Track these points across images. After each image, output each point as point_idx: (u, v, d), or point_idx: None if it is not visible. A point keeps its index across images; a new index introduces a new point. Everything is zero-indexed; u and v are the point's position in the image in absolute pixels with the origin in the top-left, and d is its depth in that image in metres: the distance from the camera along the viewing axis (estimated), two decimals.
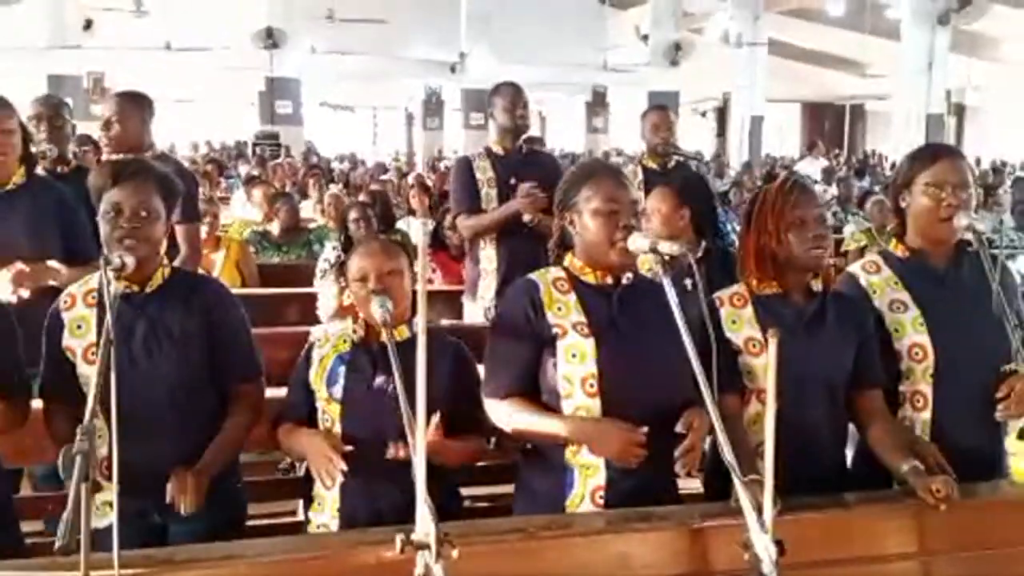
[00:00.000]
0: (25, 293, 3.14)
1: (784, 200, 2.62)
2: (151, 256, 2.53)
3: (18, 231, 3.31)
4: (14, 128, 3.43)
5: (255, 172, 10.91)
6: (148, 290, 2.55)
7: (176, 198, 2.66)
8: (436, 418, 2.39)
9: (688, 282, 2.40)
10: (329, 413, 2.58)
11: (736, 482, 1.88)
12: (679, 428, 2.37)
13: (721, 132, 23.64)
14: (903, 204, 2.75)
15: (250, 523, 2.81)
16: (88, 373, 2.43)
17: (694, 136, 23.45)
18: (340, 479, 2.45)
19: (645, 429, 2.33)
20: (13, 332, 2.53)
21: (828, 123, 26.17)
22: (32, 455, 2.79)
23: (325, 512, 2.59)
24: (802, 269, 2.59)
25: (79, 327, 2.54)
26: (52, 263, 3.21)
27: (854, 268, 2.82)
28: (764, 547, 1.75)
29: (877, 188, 9.62)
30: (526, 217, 4.16)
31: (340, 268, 2.74)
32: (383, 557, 2.02)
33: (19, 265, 3.15)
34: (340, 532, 2.51)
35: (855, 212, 8.63)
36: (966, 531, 2.40)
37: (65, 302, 2.59)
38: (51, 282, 3.15)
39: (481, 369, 2.62)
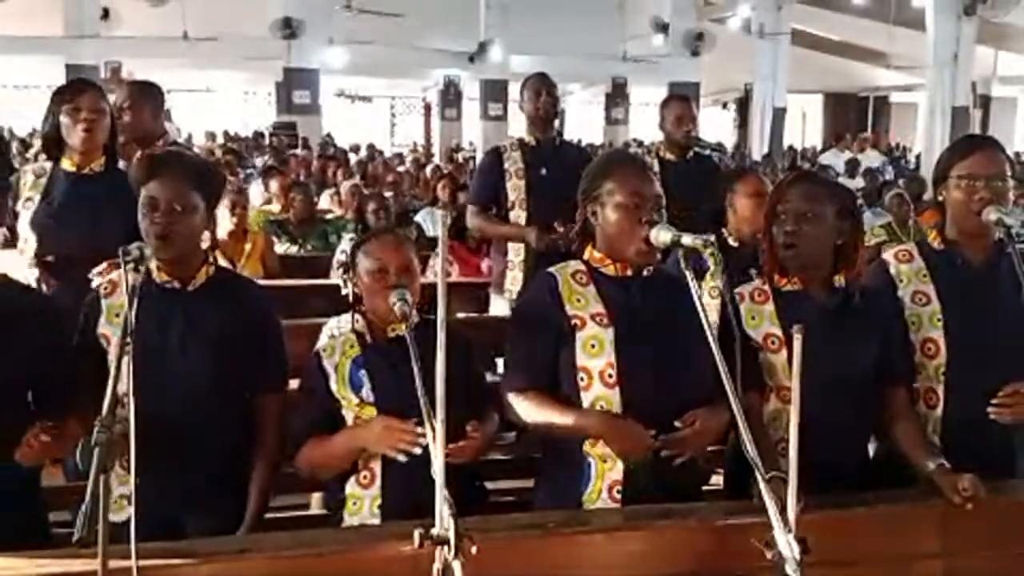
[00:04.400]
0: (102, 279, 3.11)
1: (779, 193, 2.60)
2: (189, 250, 2.53)
3: (82, 216, 3.35)
4: (105, 110, 3.51)
5: (272, 163, 10.93)
6: (191, 288, 2.55)
7: (215, 188, 2.64)
8: (475, 434, 2.40)
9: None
10: (364, 418, 2.54)
11: (759, 479, 1.85)
12: (677, 423, 2.37)
13: (743, 123, 23.48)
14: (941, 197, 2.71)
15: (265, 515, 2.80)
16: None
17: (715, 127, 23.33)
18: (420, 445, 2.34)
19: (653, 433, 2.33)
20: (60, 337, 2.49)
21: (851, 115, 25.93)
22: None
23: (363, 512, 2.53)
24: (792, 266, 2.56)
25: (116, 315, 2.51)
26: None
27: (887, 256, 2.79)
28: (788, 545, 1.73)
29: (901, 181, 9.52)
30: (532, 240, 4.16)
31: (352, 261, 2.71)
32: (402, 552, 2.01)
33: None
34: (359, 527, 2.50)
35: (877, 205, 8.53)
36: (991, 530, 2.37)
37: (106, 288, 2.58)
38: None
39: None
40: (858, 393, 2.56)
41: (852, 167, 12.79)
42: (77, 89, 3.51)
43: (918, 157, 17.60)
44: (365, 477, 2.54)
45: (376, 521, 2.51)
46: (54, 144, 3.52)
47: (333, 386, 2.57)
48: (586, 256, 2.57)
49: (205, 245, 2.60)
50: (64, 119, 3.46)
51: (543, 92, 4.39)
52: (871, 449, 2.76)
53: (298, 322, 3.81)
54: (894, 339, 2.60)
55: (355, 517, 2.54)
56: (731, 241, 3.62)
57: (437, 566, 1.65)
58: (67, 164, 3.53)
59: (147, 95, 4.17)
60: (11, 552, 2.03)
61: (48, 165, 3.57)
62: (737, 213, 3.69)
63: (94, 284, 3.09)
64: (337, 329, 2.67)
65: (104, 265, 3.15)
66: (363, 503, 2.54)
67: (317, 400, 2.59)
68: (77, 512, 1.69)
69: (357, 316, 2.65)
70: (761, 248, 2.69)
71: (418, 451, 2.36)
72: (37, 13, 17.74)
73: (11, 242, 3.55)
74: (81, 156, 3.50)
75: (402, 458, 2.39)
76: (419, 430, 2.35)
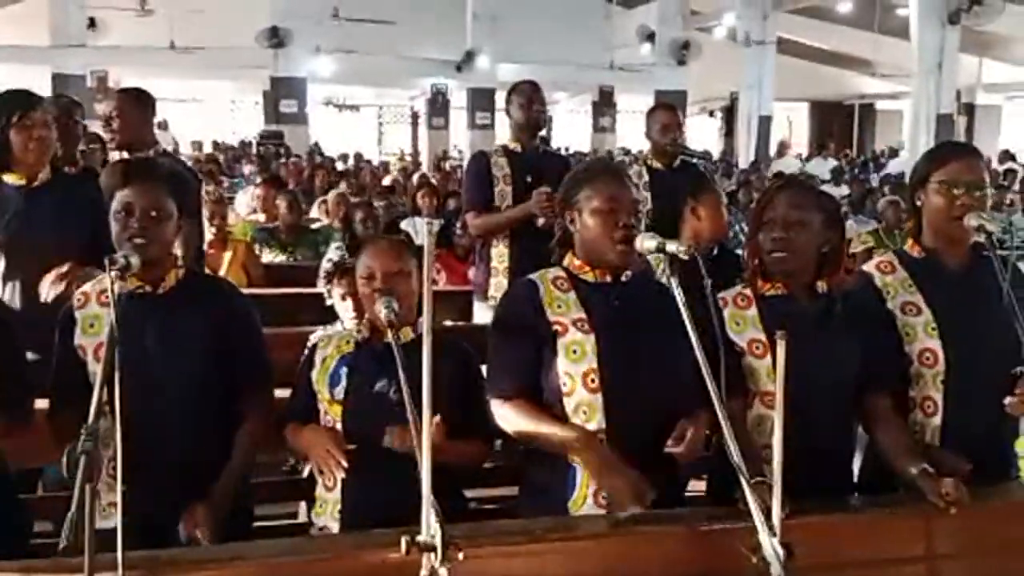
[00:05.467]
0: (58, 289, 3.13)
1: (766, 200, 2.62)
2: (163, 256, 2.54)
3: (44, 228, 3.32)
4: (52, 123, 3.46)
5: (259, 172, 10.93)
6: (161, 291, 2.55)
7: (187, 197, 2.66)
8: (436, 418, 2.37)
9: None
10: (331, 414, 2.58)
11: (744, 484, 1.86)
12: (669, 442, 2.36)
13: (729, 131, 23.59)
14: (919, 203, 2.73)
15: (254, 524, 2.80)
16: (98, 371, 2.43)
17: (702, 136, 23.42)
18: (341, 476, 2.46)
19: (652, 497, 2.29)
20: (12, 339, 2.52)
21: (837, 123, 26.05)
22: (36, 456, 2.78)
23: (326, 514, 2.58)
24: (779, 272, 2.58)
25: (91, 325, 2.54)
26: (89, 269, 3.15)
27: (869, 267, 2.80)
28: (773, 550, 1.74)
29: (887, 189, 9.57)
30: (540, 221, 4.14)
31: (336, 268, 2.73)
32: (388, 559, 2.00)
33: (62, 269, 3.16)
34: (345, 534, 2.50)
35: (860, 212, 8.58)
36: (975, 534, 2.39)
37: (78, 300, 2.59)
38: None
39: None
40: (841, 398, 2.58)
41: (837, 175, 12.85)
42: (27, 105, 3.43)
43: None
44: (329, 480, 2.56)
45: (335, 524, 2.54)
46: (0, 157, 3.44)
47: (314, 375, 2.62)
48: (565, 263, 2.59)
49: (178, 251, 2.61)
50: (15, 136, 3.38)
51: (535, 101, 4.41)
52: (858, 455, 2.77)
53: (285, 331, 3.81)
54: (877, 346, 2.61)
55: (321, 518, 2.60)
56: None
57: (424, 573, 1.65)
58: (14, 179, 3.43)
59: (137, 104, 4.13)
60: None
61: None
62: (699, 221, 3.84)
63: (44, 298, 3.10)
64: (339, 328, 2.71)
65: (51, 276, 3.14)
66: (327, 506, 2.58)
67: (304, 389, 2.66)
68: (58, 521, 1.69)
69: (357, 317, 2.67)
70: (745, 256, 2.71)
71: (329, 483, 2.52)
72: (23, 22, 17.72)
73: None
74: (28, 169, 3.43)
75: (329, 482, 2.52)
76: (343, 463, 2.44)
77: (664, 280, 2.24)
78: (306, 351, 2.80)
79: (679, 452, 2.36)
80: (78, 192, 3.41)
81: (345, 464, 2.44)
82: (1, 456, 2.52)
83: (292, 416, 2.67)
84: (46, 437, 2.53)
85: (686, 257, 2.19)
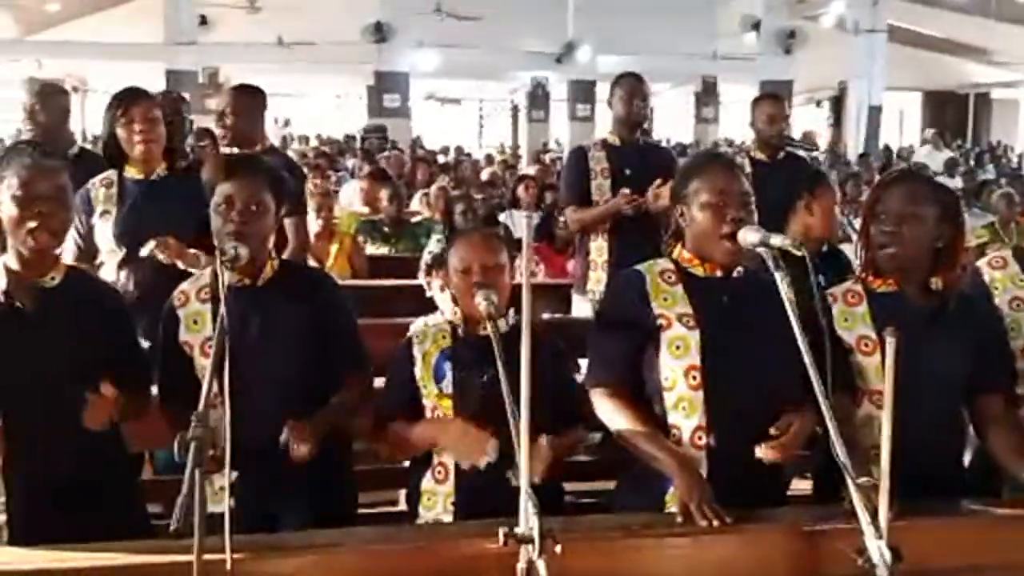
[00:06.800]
0: (161, 256, 3.26)
1: (877, 193, 2.54)
2: (261, 249, 2.60)
3: (154, 222, 3.42)
4: (158, 118, 3.59)
5: (365, 166, 11.09)
6: (260, 283, 2.62)
7: (286, 192, 2.71)
8: (542, 440, 2.43)
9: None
10: (441, 408, 2.60)
11: (850, 484, 1.82)
12: (773, 432, 2.32)
13: (837, 122, 23.00)
14: None
15: (356, 511, 2.85)
16: (206, 365, 2.49)
17: (809, 126, 22.89)
18: (490, 458, 2.47)
19: (730, 520, 2.20)
20: (130, 322, 2.61)
21: (951, 113, 25.16)
22: (156, 440, 2.88)
23: (437, 507, 2.58)
24: (889, 268, 2.50)
25: (195, 322, 2.61)
26: (194, 251, 3.28)
27: (981, 263, 2.72)
28: (879, 553, 1.69)
29: (1003, 180, 9.19)
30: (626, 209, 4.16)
31: (436, 261, 2.75)
32: (486, 550, 2.01)
33: (170, 239, 3.28)
34: (444, 523, 2.53)
35: (975, 205, 8.27)
36: None
37: (179, 299, 2.66)
38: (188, 267, 3.21)
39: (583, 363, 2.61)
40: (952, 399, 2.50)
41: (951, 166, 12.41)
42: (129, 100, 3.57)
43: (1020, 156, 16.99)
44: (439, 472, 2.59)
45: (449, 517, 2.55)
46: (115, 153, 3.59)
47: (417, 372, 2.63)
48: (675, 255, 2.55)
49: (270, 245, 2.67)
50: (119, 130, 3.53)
51: (636, 96, 4.38)
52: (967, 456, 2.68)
53: (385, 321, 3.86)
54: (989, 346, 2.52)
55: (430, 512, 2.60)
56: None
57: (521, 565, 1.66)
58: (133, 172, 3.58)
59: (250, 100, 4.26)
60: (112, 542, 2.10)
61: (113, 175, 3.61)
62: (812, 217, 3.67)
63: (143, 253, 3.21)
64: (432, 322, 2.74)
65: (152, 243, 3.25)
66: (437, 499, 2.59)
67: (402, 385, 2.66)
68: (169, 504, 1.75)
69: (456, 309, 2.68)
70: (859, 248, 2.63)
71: (483, 465, 2.48)
72: (139, 21, 18.39)
73: (84, 255, 3.54)
74: (143, 164, 3.56)
75: (469, 466, 2.46)
76: (491, 443, 2.44)
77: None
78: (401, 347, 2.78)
79: (775, 451, 2.31)
80: (188, 187, 3.52)
81: (496, 442, 2.45)
82: (125, 440, 2.62)
83: (392, 413, 2.66)
84: (156, 423, 2.62)
85: (798, 252, 2.13)
